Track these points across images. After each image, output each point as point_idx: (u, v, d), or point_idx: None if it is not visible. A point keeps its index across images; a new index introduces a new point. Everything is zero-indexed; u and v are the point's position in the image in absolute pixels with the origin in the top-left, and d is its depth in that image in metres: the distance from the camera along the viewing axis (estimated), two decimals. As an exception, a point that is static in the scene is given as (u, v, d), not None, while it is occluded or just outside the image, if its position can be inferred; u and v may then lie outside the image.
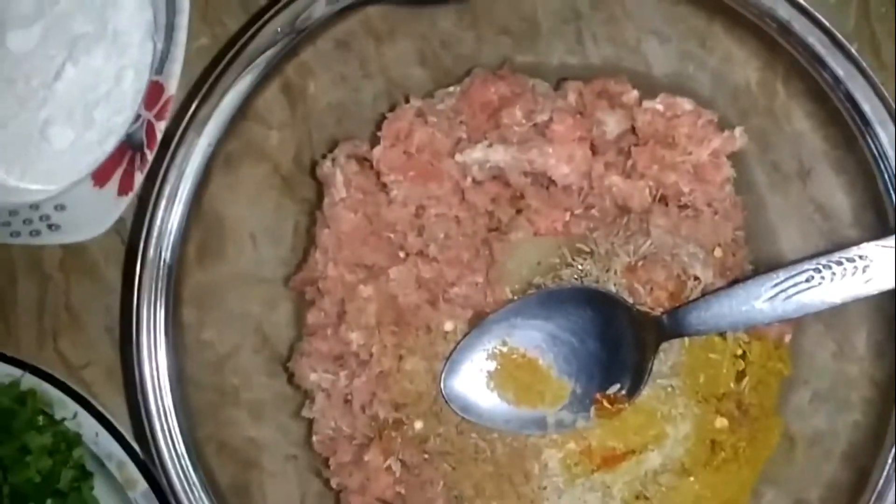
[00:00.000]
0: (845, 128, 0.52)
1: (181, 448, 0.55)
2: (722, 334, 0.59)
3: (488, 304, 0.61)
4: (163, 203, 0.57)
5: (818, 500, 0.52)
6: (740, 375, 0.59)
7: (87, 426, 0.73)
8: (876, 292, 0.49)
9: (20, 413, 0.73)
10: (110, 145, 0.72)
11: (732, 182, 0.61)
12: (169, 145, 0.58)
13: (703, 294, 0.57)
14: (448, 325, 0.61)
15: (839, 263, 0.49)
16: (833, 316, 0.57)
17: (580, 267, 0.59)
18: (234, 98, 0.58)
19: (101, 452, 0.73)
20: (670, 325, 0.56)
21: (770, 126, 0.60)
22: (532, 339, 0.58)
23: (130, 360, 0.58)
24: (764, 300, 0.51)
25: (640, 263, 0.58)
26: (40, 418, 0.74)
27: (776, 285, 0.51)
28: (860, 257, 0.48)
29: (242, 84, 0.57)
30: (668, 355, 0.58)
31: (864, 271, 0.48)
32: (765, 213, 0.62)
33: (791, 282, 0.50)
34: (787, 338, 0.59)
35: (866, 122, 0.51)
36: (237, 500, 0.58)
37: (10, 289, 0.78)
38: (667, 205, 0.61)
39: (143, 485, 0.71)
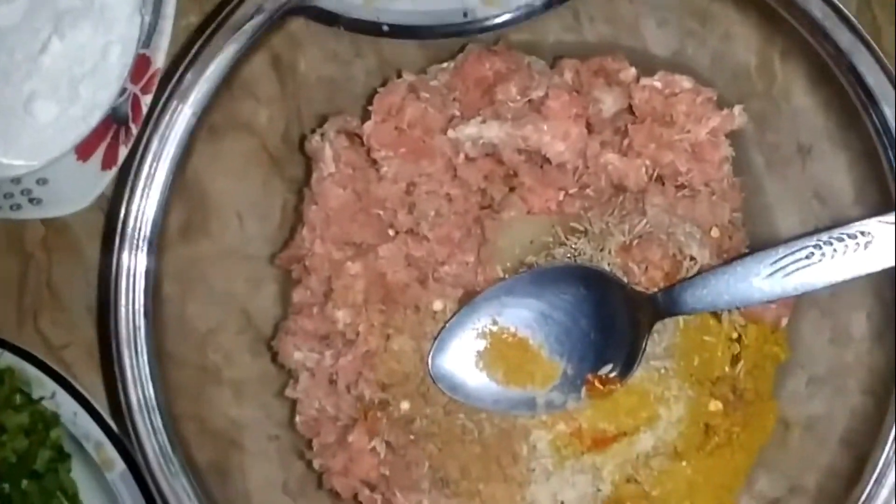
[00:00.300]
0: (847, 103, 0.51)
1: (159, 424, 0.53)
2: (717, 317, 0.57)
3: (479, 284, 0.59)
4: (144, 173, 0.56)
5: (815, 486, 0.51)
6: (735, 359, 0.58)
7: (66, 406, 0.71)
8: (878, 269, 0.47)
9: (-3, 391, 0.72)
10: (95, 120, 0.71)
11: (731, 162, 0.60)
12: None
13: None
14: (437, 305, 0.59)
15: (840, 240, 0.47)
16: (830, 299, 0.56)
17: (574, 246, 0.58)
18: (220, 67, 0.56)
19: (79, 433, 0.71)
20: (665, 304, 0.54)
21: (770, 105, 0.58)
22: (523, 318, 0.57)
23: (108, 337, 0.56)
24: (763, 277, 0.50)
25: (634, 242, 0.57)
26: (17, 397, 0.72)
27: (775, 262, 0.49)
28: (862, 233, 0.47)
29: (228, 52, 0.56)
30: (662, 337, 0.57)
31: (865, 248, 0.47)
32: (763, 195, 0.60)
33: (791, 258, 0.48)
34: (784, 321, 0.58)
35: (870, 97, 0.49)
36: (217, 480, 0.56)
37: (-11, 266, 0.77)
38: (663, 184, 0.59)
39: (120, 465, 0.69)
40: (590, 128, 0.61)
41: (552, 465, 0.56)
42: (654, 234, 0.57)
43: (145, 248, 0.55)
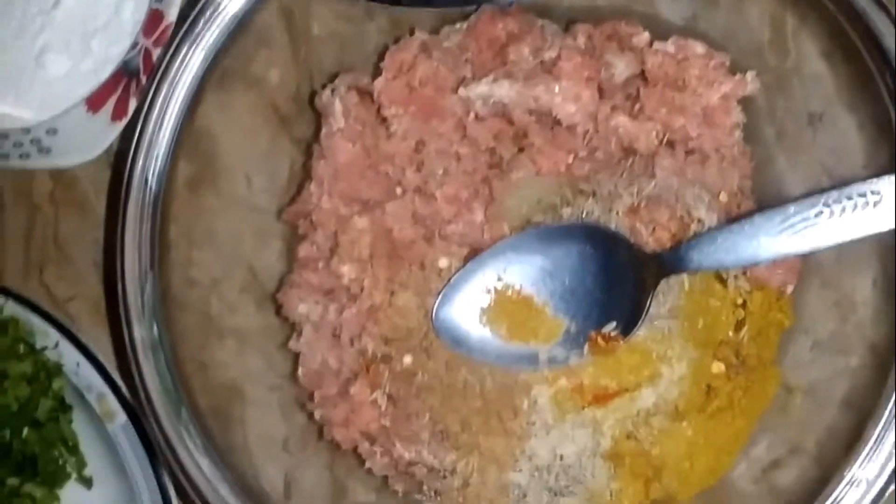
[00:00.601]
0: (862, 68, 0.51)
1: (163, 365, 0.53)
2: (723, 281, 0.57)
3: (485, 242, 0.59)
4: (152, 119, 0.56)
5: (815, 447, 0.51)
6: (740, 325, 0.57)
7: (69, 356, 0.71)
8: (887, 229, 0.47)
9: (0, 340, 0.72)
10: (106, 74, 0.71)
11: (742, 129, 0.59)
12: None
13: (708, 233, 0.55)
14: (443, 262, 0.59)
15: (849, 198, 0.47)
16: (836, 266, 0.56)
17: (581, 207, 0.58)
18: (231, 13, 0.56)
19: (81, 384, 0.71)
20: (671, 262, 0.54)
21: (782, 72, 0.58)
22: (528, 275, 0.57)
23: (113, 282, 0.56)
24: (771, 236, 0.50)
25: (643, 204, 0.57)
26: (21, 346, 0.72)
27: (784, 220, 0.49)
28: (872, 192, 0.47)
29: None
30: (667, 298, 0.56)
31: (874, 207, 0.46)
32: (773, 164, 0.60)
33: (800, 216, 0.48)
34: (790, 288, 0.58)
35: (885, 60, 0.49)
36: (218, 426, 0.56)
37: (-3, 217, 0.77)
38: (673, 148, 0.59)
39: (122, 417, 0.69)
40: (601, 92, 0.60)
41: (552, 420, 0.56)
42: (663, 197, 0.57)
43: (154, 190, 0.55)
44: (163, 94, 0.55)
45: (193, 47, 0.55)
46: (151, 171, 0.55)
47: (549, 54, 0.60)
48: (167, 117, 0.55)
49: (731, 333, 0.57)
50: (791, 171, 0.60)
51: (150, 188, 0.55)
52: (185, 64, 0.55)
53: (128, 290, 0.54)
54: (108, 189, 0.70)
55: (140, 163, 0.55)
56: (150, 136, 0.55)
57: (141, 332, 0.53)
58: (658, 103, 0.59)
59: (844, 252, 0.53)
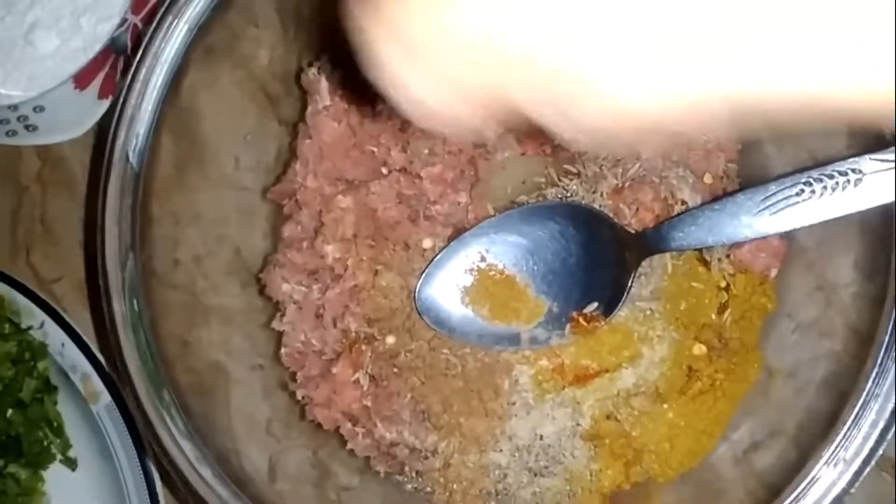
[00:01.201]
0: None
1: (143, 345, 0.53)
2: (706, 264, 0.57)
3: (470, 222, 0.59)
4: (134, 94, 0.55)
5: (795, 428, 0.51)
6: (723, 308, 0.57)
7: (54, 336, 0.71)
8: (868, 207, 0.47)
9: (-15, 319, 0.72)
10: (94, 52, 0.71)
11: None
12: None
13: (690, 214, 0.55)
14: (427, 243, 0.59)
15: (831, 177, 0.47)
16: (818, 248, 0.55)
17: (565, 187, 0.58)
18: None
19: (66, 364, 0.71)
20: (653, 240, 0.54)
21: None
22: (511, 255, 0.56)
23: (95, 260, 0.56)
24: (753, 214, 0.49)
25: (626, 184, 0.56)
26: (6, 326, 0.72)
27: (765, 198, 0.49)
28: (853, 170, 0.46)
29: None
30: (650, 279, 0.56)
31: (855, 185, 0.46)
32: (759, 148, 0.60)
33: (782, 195, 0.48)
34: (773, 272, 0.57)
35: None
36: (200, 404, 0.56)
37: (-17, 197, 0.77)
38: (658, 130, 0.59)
39: (106, 397, 0.69)
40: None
41: (533, 400, 0.56)
42: (647, 178, 0.57)
43: (135, 167, 0.55)
44: (145, 68, 0.54)
45: (177, 21, 0.54)
46: (133, 148, 0.54)
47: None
48: (149, 92, 0.55)
49: (713, 316, 0.57)
50: (777, 155, 0.59)
51: (132, 165, 0.54)
52: (168, 37, 0.54)
53: (108, 268, 0.53)
54: (90, 166, 0.70)
55: (121, 139, 0.54)
56: (131, 111, 0.54)
57: (121, 309, 0.52)
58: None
59: (827, 235, 0.53)
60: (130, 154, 0.54)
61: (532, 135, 0.60)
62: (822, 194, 0.47)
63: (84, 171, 0.76)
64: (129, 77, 0.54)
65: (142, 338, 0.52)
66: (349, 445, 0.60)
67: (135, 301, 0.52)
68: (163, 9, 0.54)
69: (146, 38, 0.54)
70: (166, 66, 0.54)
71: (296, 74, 0.64)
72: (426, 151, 0.60)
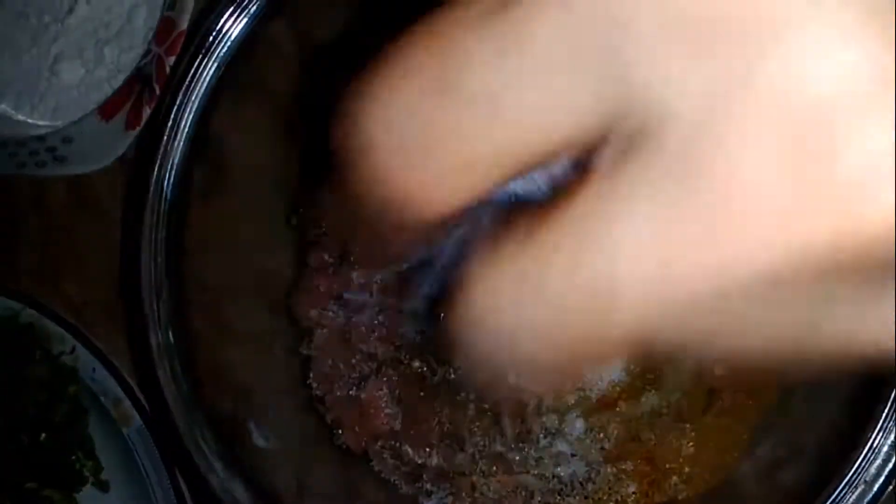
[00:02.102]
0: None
1: (178, 372, 0.54)
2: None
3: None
4: (167, 129, 0.57)
5: (815, 445, 0.52)
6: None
7: (85, 361, 0.73)
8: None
9: (17, 346, 0.73)
10: (119, 82, 0.72)
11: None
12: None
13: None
14: (451, 268, 0.60)
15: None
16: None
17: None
18: (243, 24, 0.57)
19: (98, 388, 0.72)
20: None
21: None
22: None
23: (130, 290, 0.57)
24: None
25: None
26: (37, 352, 0.74)
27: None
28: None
29: (251, 10, 0.57)
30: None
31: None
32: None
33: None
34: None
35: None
36: (230, 427, 0.57)
37: (13, 224, 0.78)
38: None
39: (137, 421, 0.71)
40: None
41: (558, 422, 0.57)
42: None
43: (169, 199, 0.56)
44: (177, 104, 0.56)
45: (206, 58, 0.55)
46: (167, 180, 0.56)
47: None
48: (181, 127, 0.56)
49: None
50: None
51: (166, 197, 0.56)
52: (198, 73, 0.56)
53: (144, 298, 0.55)
54: (125, 197, 0.71)
55: (156, 172, 0.56)
56: (164, 145, 0.56)
57: (157, 339, 0.54)
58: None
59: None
60: (165, 187, 0.56)
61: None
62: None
63: (111, 198, 0.77)
64: (161, 113, 0.56)
65: (177, 366, 0.54)
66: (377, 467, 0.62)
67: (170, 331, 0.54)
68: (191, 49, 0.56)
69: (178, 72, 0.56)
70: (196, 103, 0.56)
71: (318, 105, 0.66)
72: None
